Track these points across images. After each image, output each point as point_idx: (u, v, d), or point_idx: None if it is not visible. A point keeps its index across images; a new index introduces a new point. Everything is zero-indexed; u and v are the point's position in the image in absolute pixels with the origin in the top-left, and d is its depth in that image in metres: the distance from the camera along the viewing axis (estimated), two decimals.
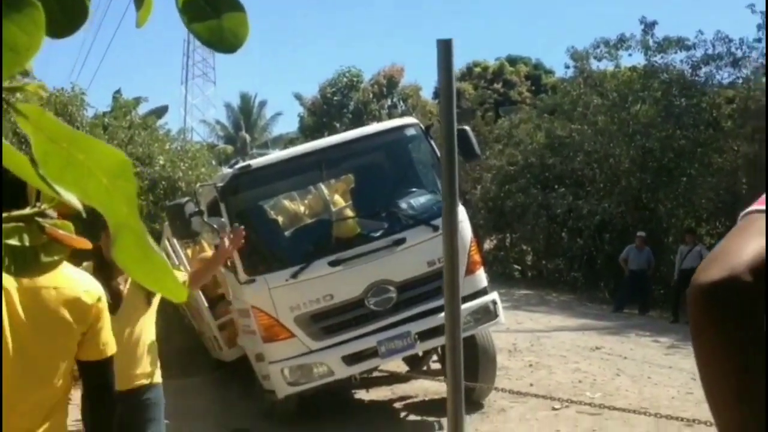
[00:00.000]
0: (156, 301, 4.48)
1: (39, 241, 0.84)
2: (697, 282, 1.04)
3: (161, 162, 12.03)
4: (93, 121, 12.11)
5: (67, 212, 0.83)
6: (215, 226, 7.34)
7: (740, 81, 18.55)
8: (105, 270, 4.11)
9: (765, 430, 1.03)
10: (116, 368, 3.51)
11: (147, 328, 4.43)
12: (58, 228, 0.86)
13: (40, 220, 0.85)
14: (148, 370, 4.31)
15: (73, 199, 0.58)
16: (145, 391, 4.30)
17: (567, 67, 21.00)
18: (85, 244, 0.89)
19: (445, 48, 2.98)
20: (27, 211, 0.85)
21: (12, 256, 0.82)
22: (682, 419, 6.17)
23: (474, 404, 8.04)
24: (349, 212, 8.51)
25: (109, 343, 2.53)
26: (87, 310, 2.39)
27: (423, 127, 8.14)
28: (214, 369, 10.14)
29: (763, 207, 1.11)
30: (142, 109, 16.50)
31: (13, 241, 0.81)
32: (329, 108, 33.01)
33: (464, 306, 7.54)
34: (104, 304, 2.48)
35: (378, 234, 7.75)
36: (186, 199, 7.71)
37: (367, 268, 7.48)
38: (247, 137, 36.76)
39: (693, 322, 1.04)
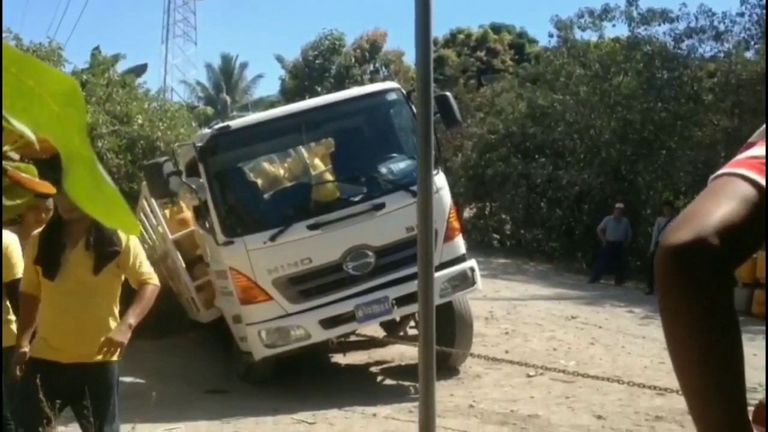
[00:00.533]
0: (114, 280, 4.23)
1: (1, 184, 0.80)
2: (665, 243, 1.03)
3: (140, 121, 11.88)
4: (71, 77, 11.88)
5: (29, 155, 0.79)
6: (193, 186, 7.28)
7: (722, 55, 18.56)
8: (54, 232, 4.04)
9: (727, 392, 1.03)
10: (61, 339, 3.78)
11: (100, 304, 4.16)
12: (21, 171, 0.82)
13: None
14: (96, 349, 3.97)
15: (25, 131, 0.54)
16: (96, 369, 4.07)
17: (551, 36, 20.94)
18: (48, 188, 0.85)
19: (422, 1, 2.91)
20: None
21: None
22: (654, 388, 6.26)
23: (450, 370, 8.10)
24: (329, 176, 8.47)
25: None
26: None
27: (404, 92, 8.08)
28: (191, 330, 10.13)
29: (735, 170, 1.09)
30: (121, 67, 16.25)
31: None
32: (311, 71, 32.70)
33: (442, 273, 7.60)
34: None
35: (357, 198, 7.72)
36: (164, 158, 7.64)
37: (346, 232, 7.46)
38: (228, 99, 36.40)
39: (660, 283, 1.04)
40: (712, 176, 1.12)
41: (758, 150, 1.12)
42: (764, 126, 1.17)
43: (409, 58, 32.97)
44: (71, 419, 4.33)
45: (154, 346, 9.99)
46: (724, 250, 1.00)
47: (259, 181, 8.72)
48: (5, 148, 0.76)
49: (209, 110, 32.83)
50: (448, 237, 7.74)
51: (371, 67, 33.17)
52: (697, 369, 1.03)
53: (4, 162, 0.76)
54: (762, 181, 1.06)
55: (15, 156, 0.75)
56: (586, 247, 18.20)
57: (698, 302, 1.00)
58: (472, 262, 7.97)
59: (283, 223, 7.49)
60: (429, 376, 2.74)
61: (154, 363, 8.76)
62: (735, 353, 1.03)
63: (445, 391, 7.44)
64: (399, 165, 7.91)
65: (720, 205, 1.04)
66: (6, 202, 0.79)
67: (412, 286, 7.30)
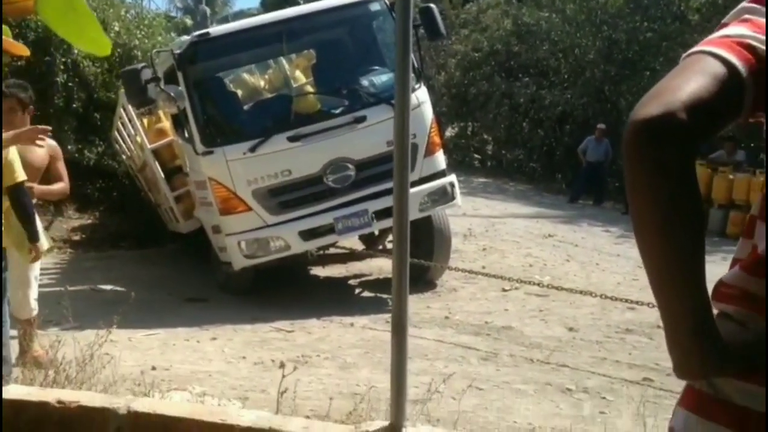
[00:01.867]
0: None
1: None
2: (633, 118, 1.04)
3: (116, 29, 11.60)
4: None
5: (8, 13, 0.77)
6: (172, 93, 7.17)
7: None
8: None
9: (688, 259, 1.06)
10: None
11: None
12: None
13: None
14: None
15: None
16: None
17: None
18: (24, 50, 0.83)
19: None
20: None
21: None
22: (625, 300, 6.41)
23: (427, 284, 8.21)
24: (310, 88, 8.38)
25: None
26: None
27: (388, 3, 7.93)
28: (171, 241, 10.16)
29: (706, 48, 1.10)
30: None
31: None
32: None
33: (422, 187, 7.63)
34: None
35: (338, 111, 7.66)
36: (142, 64, 7.51)
37: (327, 145, 7.43)
38: (207, 10, 35.48)
39: (626, 156, 1.05)
40: (683, 54, 1.12)
41: (731, 29, 1.12)
42: (738, 6, 1.17)
43: None
44: None
45: (134, 255, 10.06)
46: (690, 124, 1.01)
47: (239, 91, 8.61)
48: None
49: (188, 20, 32.10)
50: (429, 151, 7.73)
51: None
52: (661, 237, 1.05)
53: None
54: (732, 58, 1.06)
55: None
56: (567, 167, 18.24)
57: (665, 174, 1.02)
58: (452, 177, 8.00)
59: (263, 134, 7.44)
60: (402, 286, 2.77)
61: (134, 272, 8.81)
62: (696, 223, 1.05)
63: (422, 304, 7.57)
64: (381, 78, 7.83)
65: (689, 81, 1.05)
66: None
67: (391, 200, 7.31)
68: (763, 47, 1.09)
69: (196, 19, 34.15)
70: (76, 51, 11.15)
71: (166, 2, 40.86)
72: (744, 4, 1.17)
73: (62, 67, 11.07)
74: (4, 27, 0.82)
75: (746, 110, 1.09)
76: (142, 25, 12.55)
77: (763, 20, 1.12)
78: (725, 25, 1.15)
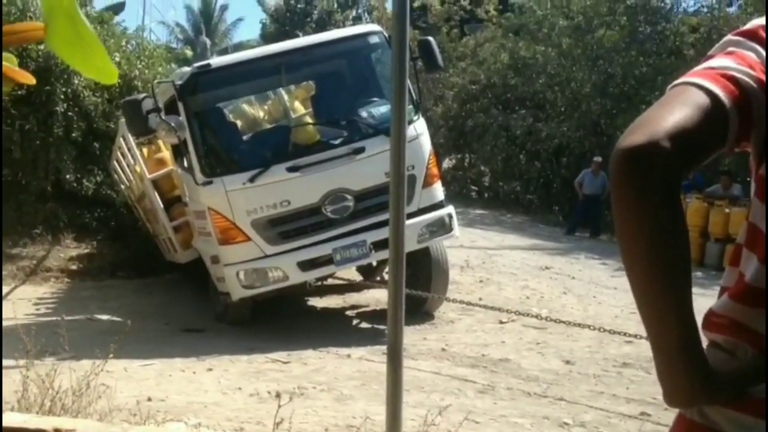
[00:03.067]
0: None
1: None
2: (619, 146, 1.07)
3: (117, 59, 11.68)
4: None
5: (9, 43, 0.80)
6: (172, 124, 7.23)
7: (705, 10, 18.54)
8: None
9: (675, 288, 1.08)
10: None
11: None
12: (3, 61, 0.82)
13: None
14: None
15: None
16: None
17: None
18: (29, 78, 0.86)
19: None
20: None
21: None
22: (623, 334, 6.40)
23: (424, 315, 8.20)
24: (309, 119, 8.44)
25: None
26: None
27: (387, 35, 8.03)
28: (168, 271, 10.16)
29: (690, 79, 1.13)
30: (99, 4, 15.93)
31: None
32: (292, 15, 32.22)
33: (420, 218, 7.66)
34: None
35: (337, 142, 7.72)
36: (143, 95, 7.58)
37: (326, 175, 7.48)
38: (208, 42, 35.82)
39: (612, 184, 1.08)
40: (669, 86, 1.15)
41: (715, 62, 1.16)
42: (723, 40, 1.21)
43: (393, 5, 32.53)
44: None
45: (131, 285, 10.05)
46: (674, 153, 1.04)
47: (239, 122, 8.68)
48: None
49: (188, 52, 32.34)
50: (427, 183, 7.77)
51: (354, 13, 32.73)
52: (646, 264, 1.07)
53: None
54: (716, 90, 1.10)
55: None
56: (563, 200, 18.33)
57: (649, 200, 1.05)
58: (450, 209, 8.03)
59: (263, 164, 7.48)
60: (398, 317, 2.79)
61: (131, 302, 8.81)
62: (682, 250, 1.08)
63: (418, 335, 7.56)
64: (379, 109, 7.89)
65: (673, 111, 1.08)
66: None
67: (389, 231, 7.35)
68: (747, 79, 1.12)
69: (197, 51, 34.44)
70: (76, 81, 11.23)
71: (167, 33, 41.20)
72: (729, 37, 1.21)
73: (62, 96, 11.15)
74: (10, 56, 0.84)
75: (731, 141, 1.12)
76: (143, 55, 12.65)
77: (748, 53, 1.16)
78: (711, 57, 1.19)
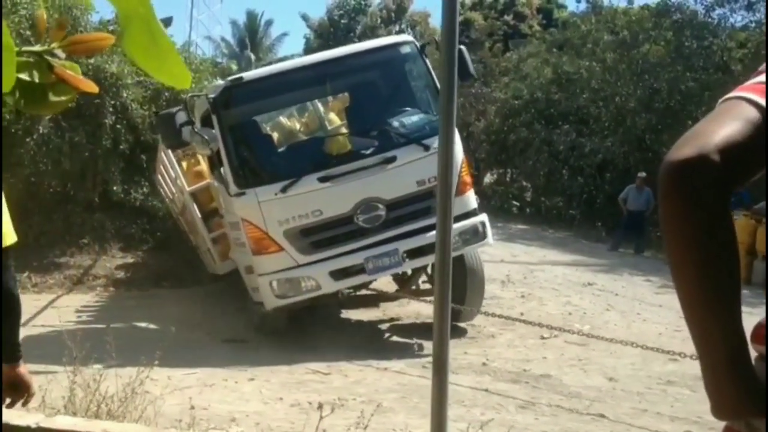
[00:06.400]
0: None
1: (48, 80, 0.84)
2: (668, 159, 1.07)
3: None
4: (98, 27, 11.92)
5: (75, 52, 0.83)
6: (205, 136, 7.34)
7: (753, 25, 18.24)
8: None
9: (725, 301, 1.07)
10: None
11: None
12: (66, 69, 0.86)
13: (49, 58, 0.85)
14: None
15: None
16: None
17: (579, 1, 20.71)
18: (92, 87, 0.89)
19: None
20: (37, 48, 0.85)
21: (22, 91, 0.82)
22: (667, 352, 6.30)
23: (463, 329, 8.17)
24: (341, 129, 8.51)
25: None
26: None
27: (418, 46, 8.07)
28: (211, 282, 10.28)
29: (741, 93, 1.12)
30: None
31: (24, 76, 0.81)
32: (336, 31, 32.51)
33: (453, 226, 7.61)
34: None
35: (369, 151, 7.74)
36: (177, 108, 7.71)
37: (357, 185, 7.50)
38: (252, 56, 36.32)
39: (662, 197, 1.07)
40: (720, 100, 1.15)
41: (766, 76, 1.15)
42: None
43: (435, 20, 32.64)
44: None
45: (175, 295, 10.18)
46: (724, 167, 1.04)
47: (272, 134, 8.78)
48: (52, 45, 0.80)
49: (234, 66, 32.78)
50: (460, 191, 7.74)
51: (397, 28, 32.90)
52: (696, 277, 1.07)
53: (51, 59, 0.80)
54: (766, 104, 1.09)
55: (61, 54, 0.78)
56: (607, 215, 18.13)
57: (697, 213, 1.04)
58: (483, 217, 7.98)
59: (295, 174, 7.53)
60: (444, 332, 2.79)
61: (175, 311, 8.92)
62: (732, 263, 1.07)
63: (459, 350, 7.52)
64: (411, 118, 7.91)
65: (723, 125, 1.08)
66: (52, 98, 0.83)
67: (422, 239, 7.37)
68: None
69: (241, 65, 34.91)
70: (125, 94, 11.46)
71: (213, 48, 41.91)
72: None
73: (111, 109, 11.38)
74: (74, 65, 0.88)
75: None
76: (190, 70, 12.84)
77: None
78: (761, 72, 1.18)
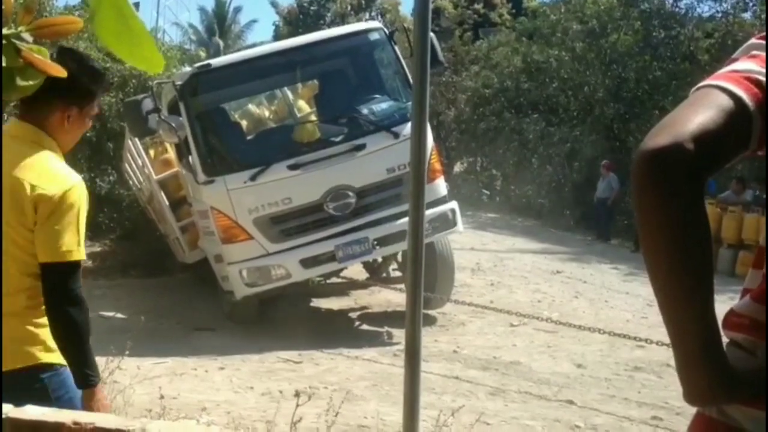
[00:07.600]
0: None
1: (16, 64, 0.82)
2: (643, 148, 1.07)
3: None
4: (63, 12, 11.72)
5: (43, 36, 0.81)
6: (172, 124, 7.25)
7: (720, 15, 18.46)
8: None
9: (699, 289, 1.09)
10: None
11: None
12: (34, 53, 0.84)
13: (16, 42, 0.83)
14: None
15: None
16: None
17: None
18: (60, 71, 0.87)
19: None
20: (4, 31, 0.82)
21: None
22: (634, 338, 6.38)
23: (433, 317, 8.20)
24: (310, 117, 8.47)
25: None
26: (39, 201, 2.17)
27: (387, 32, 8.04)
28: (181, 271, 10.19)
29: (714, 82, 1.13)
30: None
31: None
32: (305, 18, 32.30)
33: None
34: (68, 200, 2.21)
35: (338, 139, 7.71)
36: (143, 95, 7.60)
37: (327, 172, 7.48)
38: (221, 43, 35.95)
39: (635, 185, 1.08)
40: (693, 89, 1.16)
41: (739, 65, 1.16)
42: (747, 43, 1.21)
43: (406, 8, 32.57)
44: None
45: (143, 284, 10.08)
46: (698, 155, 1.05)
47: (240, 121, 8.71)
48: (20, 28, 0.78)
49: (202, 53, 32.45)
50: (430, 178, 7.72)
51: (367, 16, 32.77)
52: (670, 264, 1.07)
53: (18, 43, 0.78)
54: (740, 92, 1.10)
55: (28, 38, 0.76)
56: (575, 204, 18.30)
57: (672, 201, 1.05)
58: (453, 204, 7.99)
59: (264, 162, 7.48)
60: (416, 315, 2.80)
61: (144, 301, 8.83)
62: (705, 250, 1.08)
63: (429, 337, 7.54)
64: (381, 106, 7.89)
65: (697, 113, 1.08)
66: (20, 82, 0.80)
67: (392, 227, 7.38)
68: None
69: (210, 52, 34.56)
70: None
71: (181, 35, 41.40)
72: (753, 40, 1.21)
73: None
74: (42, 48, 0.86)
75: (754, 143, 1.12)
76: None
77: None
78: (734, 60, 1.19)
